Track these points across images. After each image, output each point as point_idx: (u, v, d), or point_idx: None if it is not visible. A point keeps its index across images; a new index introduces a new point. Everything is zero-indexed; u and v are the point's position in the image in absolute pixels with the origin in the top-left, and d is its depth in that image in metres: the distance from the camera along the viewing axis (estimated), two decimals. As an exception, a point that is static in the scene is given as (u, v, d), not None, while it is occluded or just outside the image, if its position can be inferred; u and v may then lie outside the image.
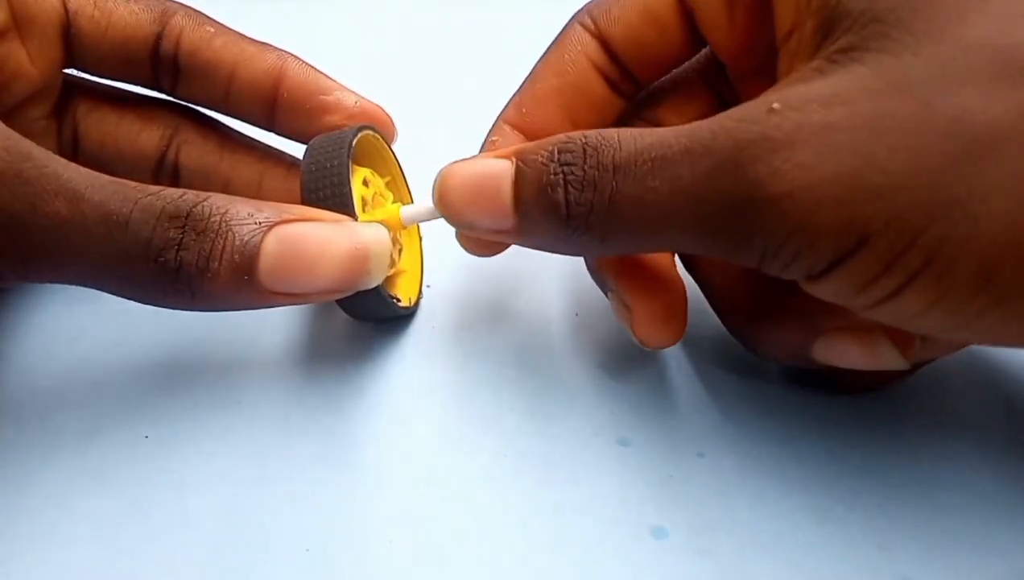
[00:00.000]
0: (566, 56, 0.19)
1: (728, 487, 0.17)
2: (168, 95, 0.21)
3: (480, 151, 0.19)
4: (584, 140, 0.15)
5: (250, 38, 0.20)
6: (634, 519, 0.16)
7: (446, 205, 0.16)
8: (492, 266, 0.23)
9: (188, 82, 0.20)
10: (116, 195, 0.14)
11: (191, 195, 0.15)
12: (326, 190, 0.17)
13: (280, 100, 0.20)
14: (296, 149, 0.21)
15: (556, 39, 0.19)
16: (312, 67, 0.20)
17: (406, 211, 0.18)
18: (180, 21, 0.20)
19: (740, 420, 0.18)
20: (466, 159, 0.16)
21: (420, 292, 0.21)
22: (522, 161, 0.15)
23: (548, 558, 0.15)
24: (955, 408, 0.19)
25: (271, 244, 0.15)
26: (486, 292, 0.22)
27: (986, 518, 0.16)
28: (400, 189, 0.22)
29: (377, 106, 0.20)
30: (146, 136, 0.20)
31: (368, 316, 0.20)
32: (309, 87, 0.20)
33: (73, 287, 0.20)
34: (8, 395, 0.18)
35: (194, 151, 0.21)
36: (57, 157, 0.14)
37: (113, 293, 0.15)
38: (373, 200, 0.19)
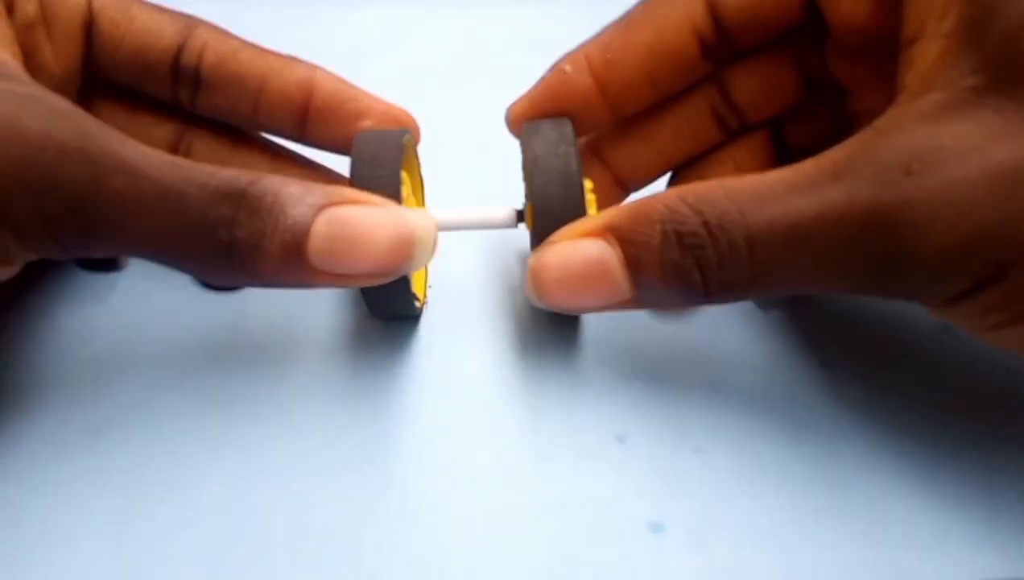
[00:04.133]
0: (669, 13, 0.18)
1: (725, 482, 0.17)
2: (188, 110, 0.20)
3: (544, 76, 0.20)
4: (704, 219, 0.15)
5: (276, 52, 0.20)
6: (632, 514, 0.16)
7: (550, 299, 0.17)
8: (492, 264, 0.23)
9: (211, 95, 0.20)
10: (174, 173, 0.14)
11: (246, 175, 0.15)
12: (378, 180, 0.17)
13: (313, 109, 0.20)
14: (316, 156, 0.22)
15: None
16: (341, 78, 0.21)
17: (436, 215, 0.18)
18: (204, 34, 0.20)
19: (737, 415, 0.18)
20: (551, 244, 0.16)
21: (427, 294, 0.21)
22: (628, 244, 0.16)
23: (547, 554, 0.15)
24: (955, 404, 0.19)
25: (321, 225, 0.15)
26: (485, 290, 0.22)
27: (983, 515, 0.16)
28: (419, 196, 0.22)
29: (405, 112, 0.21)
30: (158, 131, 0.20)
31: (388, 311, 0.20)
32: (341, 95, 0.20)
33: (77, 285, 0.20)
34: (14, 393, 0.18)
35: (206, 147, 0.21)
36: (117, 133, 0.15)
37: (169, 266, 0.15)
38: (404, 202, 0.19)
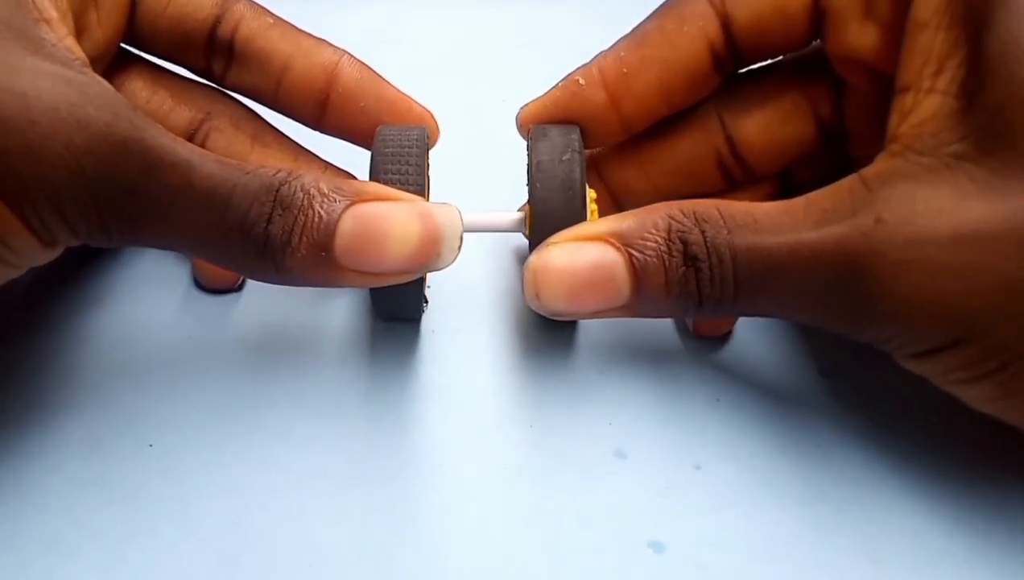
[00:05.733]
0: (684, 28, 0.19)
1: (725, 499, 0.17)
2: (219, 84, 0.21)
3: (556, 86, 0.20)
4: (702, 231, 0.16)
5: (308, 33, 0.20)
6: (632, 533, 0.16)
7: (548, 300, 0.16)
8: (490, 270, 0.23)
9: (240, 70, 0.20)
10: (220, 172, 0.15)
11: (283, 172, 0.15)
12: (403, 175, 0.17)
13: (333, 96, 0.20)
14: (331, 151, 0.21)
15: (673, 3, 0.19)
16: (367, 66, 0.20)
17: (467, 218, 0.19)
18: (242, 8, 0.20)
19: (737, 432, 0.18)
20: (554, 244, 0.16)
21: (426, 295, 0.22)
22: (633, 250, 0.16)
23: (547, 572, 0.15)
24: (957, 419, 0.19)
25: (347, 223, 0.15)
26: (484, 297, 0.22)
27: (983, 532, 0.16)
28: (426, 196, 0.22)
29: (427, 111, 0.20)
30: (176, 115, 0.20)
31: (395, 312, 0.20)
32: (364, 85, 0.20)
33: (75, 291, 0.20)
34: (10, 402, 0.18)
35: (223, 138, 0.20)
36: (168, 132, 0.15)
37: (207, 260, 0.16)
38: None
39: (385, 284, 0.16)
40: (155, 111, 0.20)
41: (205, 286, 0.22)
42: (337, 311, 0.21)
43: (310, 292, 0.22)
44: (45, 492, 0.17)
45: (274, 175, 0.15)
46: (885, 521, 0.16)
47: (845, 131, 0.19)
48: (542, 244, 0.17)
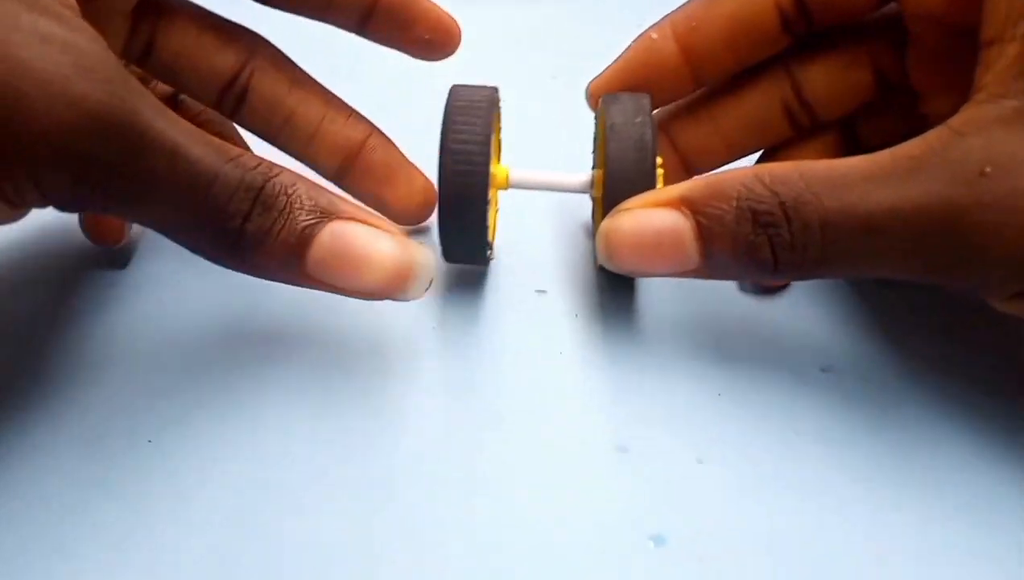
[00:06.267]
0: None
1: (727, 493, 0.17)
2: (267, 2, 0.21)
3: (630, 45, 0.21)
4: (780, 200, 0.15)
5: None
6: (634, 526, 0.16)
7: (620, 262, 0.17)
8: (491, 267, 0.23)
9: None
10: (205, 157, 0.15)
11: (264, 167, 0.15)
12: (469, 127, 0.19)
13: (378, 9, 0.21)
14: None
15: None
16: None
17: (516, 174, 0.20)
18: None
19: (738, 426, 0.18)
20: (626, 209, 0.17)
21: (494, 244, 0.22)
22: (702, 216, 0.16)
23: (547, 567, 0.15)
24: (960, 412, 0.19)
25: (325, 237, 0.15)
26: (486, 292, 0.22)
27: (985, 529, 0.16)
28: (498, 154, 0.23)
29: (455, 23, 0.22)
30: (223, 57, 0.21)
31: (461, 257, 0.21)
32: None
33: (76, 289, 0.20)
34: (9, 400, 0.18)
35: (266, 79, 0.21)
36: (163, 108, 0.15)
37: (178, 243, 0.16)
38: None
39: (346, 296, 0.16)
40: (202, 51, 0.21)
41: (92, 240, 0.22)
42: (338, 309, 0.21)
43: (312, 292, 0.22)
44: (44, 489, 0.17)
45: (256, 168, 0.15)
46: (888, 516, 0.16)
47: (908, 87, 0.20)
48: (616, 208, 0.17)
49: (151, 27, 0.20)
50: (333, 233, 0.15)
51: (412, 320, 0.21)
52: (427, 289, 0.17)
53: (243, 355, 0.20)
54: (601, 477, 0.17)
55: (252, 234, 0.15)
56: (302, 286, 0.16)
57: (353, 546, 0.16)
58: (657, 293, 0.22)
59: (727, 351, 0.20)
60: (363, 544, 0.16)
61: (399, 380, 0.19)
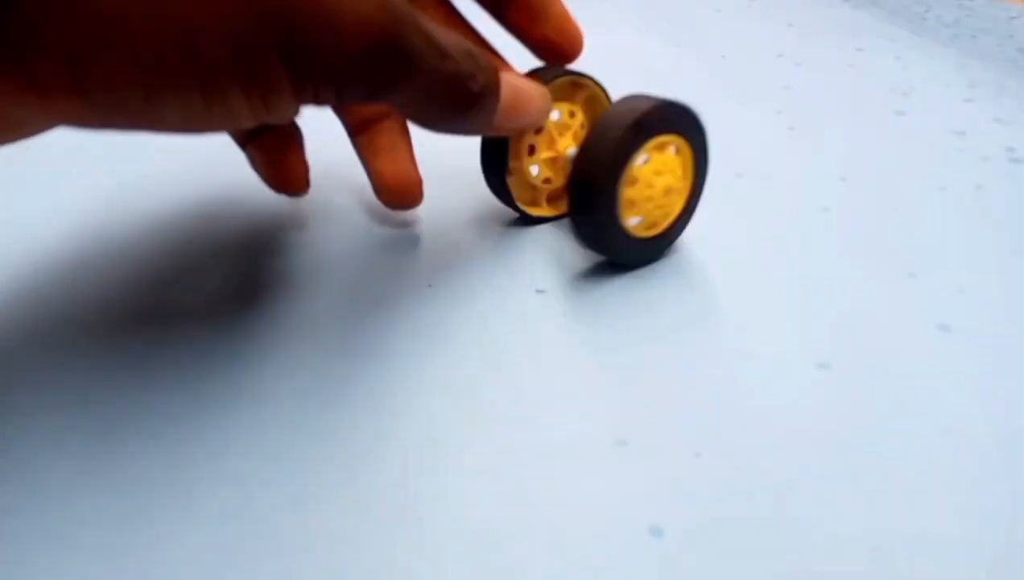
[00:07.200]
0: None
1: (724, 486, 0.17)
2: None
3: None
4: None
5: None
6: (632, 518, 0.16)
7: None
8: (490, 264, 0.24)
9: None
10: (440, 33, 0.18)
11: (461, 38, 0.18)
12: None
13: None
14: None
15: None
16: None
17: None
18: None
19: (735, 419, 0.18)
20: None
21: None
22: None
23: (546, 558, 0.15)
24: (956, 406, 0.19)
25: (505, 83, 0.20)
26: (486, 292, 0.23)
27: (983, 521, 0.16)
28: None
29: (580, 32, 0.24)
30: None
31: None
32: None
33: (80, 286, 0.20)
34: (12, 395, 0.19)
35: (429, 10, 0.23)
36: (422, 16, 0.17)
37: (424, 114, 0.18)
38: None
39: (513, 131, 0.22)
40: None
41: (276, 189, 0.24)
42: (338, 308, 0.22)
43: (311, 285, 0.22)
44: (49, 483, 0.17)
45: (462, 40, 0.18)
46: (885, 510, 0.16)
47: None
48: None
49: None
50: (505, 80, 0.20)
51: (412, 319, 0.21)
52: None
53: (247, 352, 0.20)
54: (600, 469, 0.17)
55: (481, 90, 0.19)
56: (492, 134, 0.21)
57: (354, 542, 0.16)
58: (656, 291, 0.23)
59: (723, 347, 0.21)
60: (363, 539, 0.16)
61: (399, 378, 0.20)
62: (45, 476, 0.17)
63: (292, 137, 0.23)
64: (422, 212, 0.27)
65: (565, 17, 0.23)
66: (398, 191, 0.24)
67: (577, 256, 0.24)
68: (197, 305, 0.22)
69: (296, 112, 0.17)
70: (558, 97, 0.24)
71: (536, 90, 0.21)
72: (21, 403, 0.18)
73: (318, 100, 0.16)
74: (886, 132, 0.34)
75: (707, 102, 0.37)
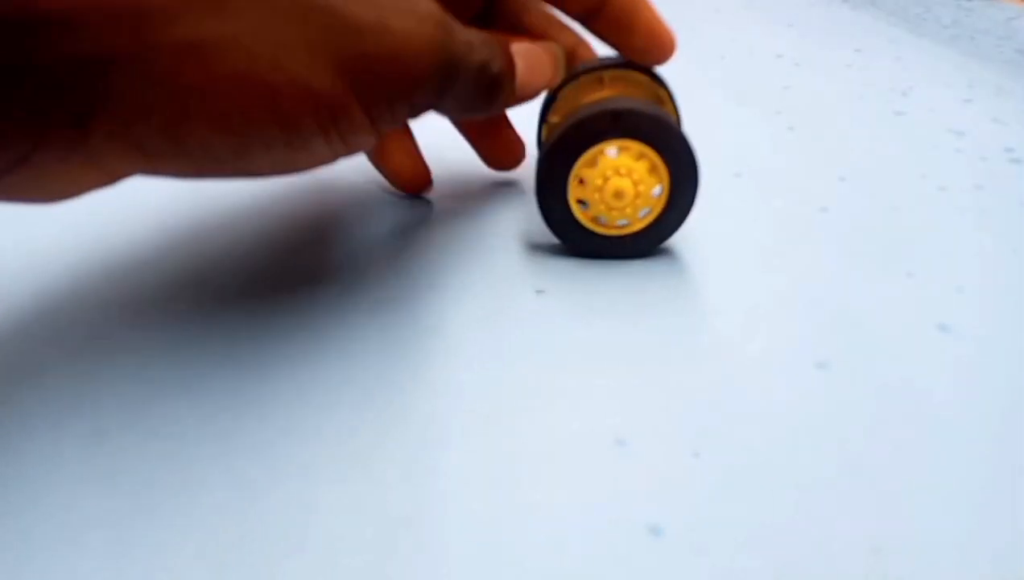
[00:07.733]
0: None
1: (724, 485, 0.17)
2: None
3: None
4: None
5: None
6: (630, 518, 0.16)
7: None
8: (488, 264, 0.24)
9: None
10: (465, 31, 0.19)
11: (471, 27, 0.19)
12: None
13: (607, 9, 0.23)
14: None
15: None
16: None
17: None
18: None
19: (735, 418, 0.18)
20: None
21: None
22: None
23: (544, 557, 0.16)
24: (957, 404, 0.19)
25: (517, 60, 0.21)
26: (486, 292, 0.23)
27: (981, 520, 0.16)
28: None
29: (671, 37, 0.24)
30: None
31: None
32: (630, 7, 0.24)
33: (80, 286, 0.20)
34: (14, 397, 0.19)
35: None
36: (459, 28, 0.18)
37: (467, 107, 0.20)
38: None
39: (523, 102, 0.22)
40: None
41: (401, 189, 0.28)
42: (338, 308, 0.22)
43: (310, 286, 0.22)
44: (51, 484, 0.17)
45: (474, 29, 0.19)
46: (885, 509, 0.16)
47: None
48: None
49: None
50: (518, 52, 0.21)
51: (413, 319, 0.21)
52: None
53: (249, 352, 0.20)
54: (599, 469, 0.17)
55: (499, 72, 0.19)
56: (514, 105, 0.21)
57: (354, 542, 0.16)
58: (655, 291, 0.23)
59: (722, 346, 0.21)
60: (363, 540, 0.16)
61: (400, 379, 0.20)
62: (46, 476, 0.17)
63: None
64: (422, 212, 0.27)
65: (655, 22, 0.23)
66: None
67: (577, 256, 0.24)
68: (197, 305, 0.22)
69: (376, 141, 0.18)
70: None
71: (544, 51, 0.22)
72: (21, 403, 0.18)
73: (395, 123, 0.18)
74: (885, 132, 0.34)
75: (707, 102, 0.37)
